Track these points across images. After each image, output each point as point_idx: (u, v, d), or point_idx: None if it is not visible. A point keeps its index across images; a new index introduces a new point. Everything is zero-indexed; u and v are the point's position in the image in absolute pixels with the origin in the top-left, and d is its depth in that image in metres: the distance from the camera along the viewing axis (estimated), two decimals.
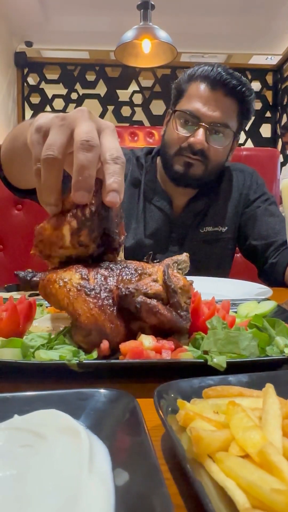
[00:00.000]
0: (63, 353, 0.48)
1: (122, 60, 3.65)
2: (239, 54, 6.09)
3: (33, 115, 4.58)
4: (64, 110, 4.90)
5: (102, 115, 4.90)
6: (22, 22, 4.66)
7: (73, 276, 0.52)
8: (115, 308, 0.51)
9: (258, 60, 6.22)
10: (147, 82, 5.12)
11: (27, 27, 4.79)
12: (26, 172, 0.90)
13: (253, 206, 1.41)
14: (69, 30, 4.94)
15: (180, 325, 0.52)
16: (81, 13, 4.69)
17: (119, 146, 0.56)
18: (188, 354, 0.48)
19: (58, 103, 4.84)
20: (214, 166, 1.29)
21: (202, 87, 1.24)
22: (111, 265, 0.56)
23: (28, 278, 0.56)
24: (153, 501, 0.24)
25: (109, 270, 0.55)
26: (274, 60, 5.91)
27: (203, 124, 1.22)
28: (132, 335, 0.53)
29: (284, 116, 4.80)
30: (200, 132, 1.22)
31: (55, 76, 4.92)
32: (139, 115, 5.00)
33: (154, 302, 0.51)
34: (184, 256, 0.63)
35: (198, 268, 1.21)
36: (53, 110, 4.90)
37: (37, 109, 4.88)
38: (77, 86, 4.94)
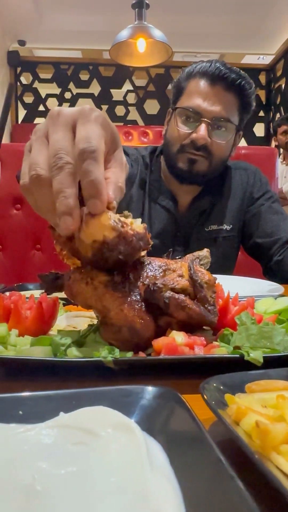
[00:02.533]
0: (96, 351, 0.47)
1: (117, 59, 3.64)
2: (231, 53, 6.11)
3: (27, 115, 4.54)
4: None
5: None
6: (15, 20, 4.62)
7: (99, 274, 0.52)
8: (143, 304, 0.51)
9: (250, 59, 6.25)
10: (141, 82, 5.12)
11: (20, 26, 4.75)
12: None
13: (257, 204, 1.41)
14: (62, 29, 4.92)
15: (209, 320, 0.52)
16: (74, 12, 4.67)
17: (88, 131, 0.47)
18: (222, 349, 0.47)
19: (52, 103, 4.81)
20: (218, 161, 1.29)
21: (202, 83, 1.24)
22: (135, 262, 0.56)
23: (53, 279, 0.55)
24: (227, 496, 0.24)
25: (135, 266, 0.55)
26: (266, 60, 5.94)
27: (205, 119, 1.22)
28: (159, 331, 0.52)
29: (278, 115, 4.83)
30: (202, 128, 1.21)
31: (48, 76, 4.89)
32: (133, 115, 4.99)
33: (182, 297, 0.51)
34: (205, 252, 0.62)
35: None
36: (47, 109, 4.86)
37: (31, 109, 4.84)
38: (71, 86, 4.92)
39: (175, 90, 1.32)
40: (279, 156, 4.18)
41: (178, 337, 0.49)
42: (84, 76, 4.92)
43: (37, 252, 1.89)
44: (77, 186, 0.46)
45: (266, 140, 5.05)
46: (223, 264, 1.41)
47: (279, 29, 4.80)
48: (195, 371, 0.45)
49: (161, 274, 0.54)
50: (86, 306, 0.52)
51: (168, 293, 0.50)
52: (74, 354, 0.46)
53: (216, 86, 1.22)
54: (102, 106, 4.91)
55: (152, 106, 4.97)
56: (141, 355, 0.48)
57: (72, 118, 0.48)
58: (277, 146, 4.13)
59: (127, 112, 4.99)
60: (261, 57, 6.24)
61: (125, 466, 0.28)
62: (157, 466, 0.28)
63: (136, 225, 0.50)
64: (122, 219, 0.49)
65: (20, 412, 0.36)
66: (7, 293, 0.63)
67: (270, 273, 1.37)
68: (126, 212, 0.52)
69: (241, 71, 1.25)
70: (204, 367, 0.47)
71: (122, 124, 4.86)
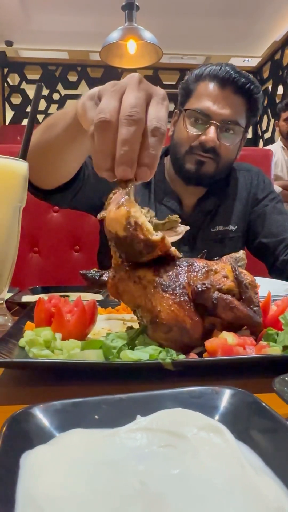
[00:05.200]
0: (150, 353, 0.47)
1: (107, 61, 3.64)
2: (218, 55, 6.17)
3: (14, 116, 4.48)
4: (46, 111, 4.83)
5: None
6: (1, 21, 4.57)
7: (146, 273, 0.52)
8: (192, 304, 0.51)
9: (236, 62, 6.32)
10: None
11: (7, 26, 4.70)
12: (64, 159, 0.90)
13: (261, 204, 1.43)
14: (49, 30, 4.89)
15: (256, 320, 0.52)
16: (61, 13, 4.65)
17: (163, 114, 0.54)
18: (275, 349, 0.48)
19: (40, 104, 4.76)
20: (225, 163, 1.30)
21: (211, 85, 1.25)
22: (176, 262, 0.56)
23: (97, 278, 0.54)
24: None
25: (178, 267, 0.55)
26: (252, 62, 6.02)
27: (214, 122, 1.23)
28: (203, 332, 0.52)
29: (265, 117, 4.90)
30: (212, 130, 1.22)
31: (36, 76, 4.85)
32: None
33: (230, 297, 0.51)
34: (242, 254, 0.63)
35: None
36: None
37: (18, 110, 4.79)
38: (59, 87, 4.89)
39: (183, 92, 1.33)
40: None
41: (229, 337, 0.49)
42: (72, 78, 4.90)
43: (75, 253, 1.90)
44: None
45: (253, 141, 5.11)
46: None
47: (266, 32, 4.88)
48: (246, 371, 0.45)
49: (204, 275, 0.55)
50: (133, 305, 0.52)
51: (216, 294, 0.51)
52: (129, 357, 0.46)
53: (226, 89, 1.23)
54: None
55: None
56: (193, 355, 0.49)
57: (149, 90, 0.55)
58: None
59: None
60: (247, 59, 6.32)
61: (225, 467, 0.28)
62: (257, 467, 0.29)
63: (150, 232, 0.50)
64: (142, 220, 0.50)
65: (96, 417, 0.35)
66: (46, 296, 0.62)
67: (276, 272, 1.39)
68: (171, 217, 0.54)
69: (250, 75, 1.27)
70: (257, 367, 0.47)
71: None
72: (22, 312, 0.68)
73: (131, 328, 0.59)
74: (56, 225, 1.87)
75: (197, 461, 0.29)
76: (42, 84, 0.69)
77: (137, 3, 3.47)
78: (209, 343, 0.48)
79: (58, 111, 0.88)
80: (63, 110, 0.85)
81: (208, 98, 1.24)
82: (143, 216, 0.51)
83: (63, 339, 0.53)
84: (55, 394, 0.44)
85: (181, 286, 0.52)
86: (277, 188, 3.79)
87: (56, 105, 4.85)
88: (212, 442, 0.31)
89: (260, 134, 5.00)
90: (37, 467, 0.28)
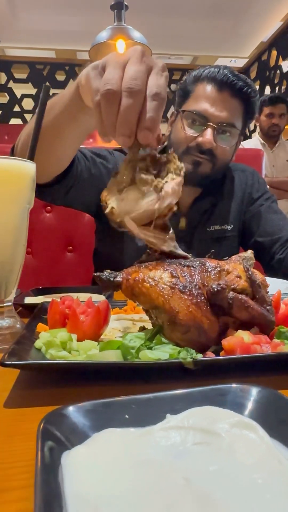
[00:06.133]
0: (169, 352, 0.48)
1: (96, 60, 3.62)
2: (205, 56, 6.21)
3: (1, 115, 4.42)
4: (34, 110, 4.79)
5: None
6: None
7: (162, 274, 0.52)
8: (207, 304, 0.52)
9: (223, 62, 6.38)
10: None
11: None
12: (62, 142, 0.92)
13: (256, 204, 1.45)
14: (36, 28, 4.85)
15: (269, 319, 0.53)
16: (49, 12, 4.62)
17: (163, 82, 0.57)
18: None
19: (28, 103, 4.73)
20: (221, 164, 1.32)
21: (209, 88, 1.27)
22: (188, 263, 0.57)
23: (112, 279, 0.55)
24: None
25: (191, 267, 0.55)
26: (238, 63, 6.08)
27: (211, 124, 1.24)
28: (219, 331, 0.53)
29: None
30: (209, 132, 1.24)
31: (23, 75, 4.81)
32: None
33: (244, 297, 0.52)
34: (250, 253, 0.64)
35: None
36: (22, 110, 4.78)
37: (6, 109, 4.74)
38: None
39: (181, 93, 1.34)
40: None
41: (245, 336, 0.50)
42: (61, 77, 4.87)
43: (68, 254, 1.89)
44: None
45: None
46: None
47: (253, 33, 4.93)
48: (262, 369, 0.47)
49: (216, 275, 0.55)
50: (150, 306, 0.52)
51: (232, 294, 0.52)
52: (149, 356, 0.47)
53: (223, 92, 1.25)
54: None
55: None
56: (210, 354, 0.49)
57: (150, 63, 0.58)
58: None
59: None
60: (234, 60, 6.38)
61: (262, 463, 0.29)
62: None
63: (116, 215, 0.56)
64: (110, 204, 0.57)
65: (126, 416, 0.36)
66: (59, 298, 0.62)
67: (271, 271, 1.41)
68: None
69: (247, 78, 1.29)
70: (277, 364, 0.48)
71: None
72: (32, 314, 0.68)
73: (143, 328, 0.60)
74: (49, 226, 1.87)
75: (233, 457, 0.30)
76: (49, 85, 0.69)
77: (126, 3, 3.47)
78: (227, 342, 0.49)
79: (53, 97, 0.89)
80: (59, 94, 0.87)
81: (206, 100, 1.25)
82: (112, 200, 0.57)
83: (78, 340, 0.54)
84: (76, 395, 0.45)
85: (197, 287, 0.52)
86: None
87: None
88: (246, 438, 0.32)
89: (248, 134, 5.05)
90: (80, 467, 0.28)
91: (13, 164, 0.65)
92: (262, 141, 3.49)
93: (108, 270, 0.57)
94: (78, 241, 1.89)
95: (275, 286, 1.03)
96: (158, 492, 0.26)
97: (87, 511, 0.24)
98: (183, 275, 0.53)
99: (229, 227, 1.43)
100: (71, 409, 0.35)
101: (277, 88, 4.28)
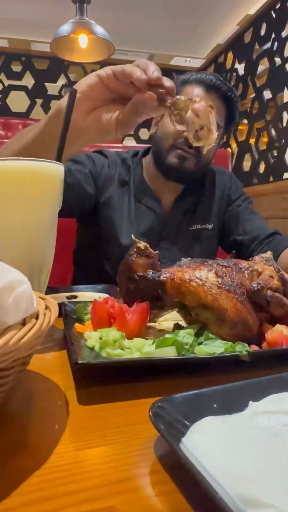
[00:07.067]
0: (220, 346, 0.52)
1: (57, 53, 3.57)
2: (161, 54, 6.28)
3: None
4: None
5: (30, 109, 4.72)
6: None
7: (208, 274, 0.56)
8: (249, 301, 0.56)
9: (179, 61, 6.48)
10: (76, 77, 5.05)
11: None
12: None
13: (234, 204, 1.53)
14: None
15: None
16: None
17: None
18: None
19: None
20: (204, 162, 1.39)
21: (197, 90, 1.34)
22: (224, 263, 0.61)
23: (157, 278, 0.58)
24: None
25: (228, 267, 0.60)
26: (193, 63, 6.22)
27: None
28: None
29: None
30: None
31: None
32: None
33: (280, 295, 0.58)
34: (269, 254, 0.70)
35: None
36: None
37: None
38: (2, 76, 4.68)
39: None
40: None
41: (284, 330, 0.55)
42: (17, 68, 4.71)
43: None
44: None
45: None
46: None
47: (210, 35, 5.07)
48: None
49: (249, 274, 0.60)
50: (197, 304, 0.56)
51: (269, 292, 0.57)
52: (205, 351, 0.51)
53: (210, 94, 1.32)
54: (37, 100, 4.75)
55: None
56: (254, 347, 0.54)
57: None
58: None
59: None
60: (189, 59, 6.51)
61: None
62: None
63: None
64: None
65: (215, 405, 0.40)
66: (101, 297, 0.64)
67: None
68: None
69: (230, 85, 1.38)
70: None
71: None
72: (62, 315, 0.69)
73: (178, 325, 0.63)
74: None
75: None
76: (76, 89, 0.70)
77: None
78: (270, 336, 0.54)
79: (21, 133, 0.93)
80: (24, 131, 0.92)
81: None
82: None
83: (128, 338, 0.56)
84: (139, 390, 0.48)
85: (238, 286, 0.57)
86: None
87: (0, 96, 4.64)
88: None
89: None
90: (209, 452, 0.32)
91: (42, 166, 0.65)
92: None
93: (151, 270, 0.60)
94: (59, 240, 1.88)
95: None
96: None
97: (243, 485, 0.27)
98: (225, 275, 0.57)
99: (210, 226, 1.50)
100: (167, 400, 0.38)
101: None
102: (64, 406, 0.44)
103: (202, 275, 0.56)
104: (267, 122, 3.75)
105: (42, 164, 0.65)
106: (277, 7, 3.63)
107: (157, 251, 0.63)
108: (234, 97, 1.36)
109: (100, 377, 0.49)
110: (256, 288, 0.56)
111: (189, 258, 0.64)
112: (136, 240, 0.63)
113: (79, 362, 0.45)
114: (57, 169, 0.67)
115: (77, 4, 3.43)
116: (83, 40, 3.52)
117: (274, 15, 3.68)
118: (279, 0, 3.58)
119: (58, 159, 0.69)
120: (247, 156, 4.03)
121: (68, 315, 0.67)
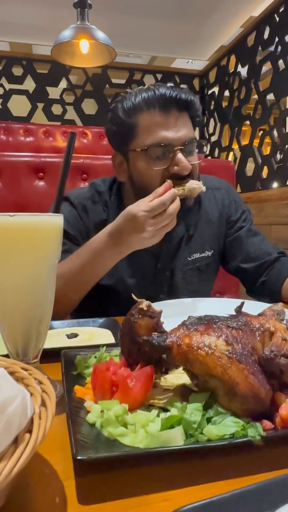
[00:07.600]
0: (231, 425, 0.48)
1: (58, 59, 3.53)
2: (163, 57, 6.24)
3: None
4: None
5: (31, 113, 4.68)
6: None
7: (217, 342, 0.53)
8: (261, 370, 0.53)
9: (180, 63, 6.42)
10: (78, 80, 5.00)
11: None
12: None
13: (236, 227, 1.43)
14: None
15: None
16: (4, 2, 4.42)
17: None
18: None
19: None
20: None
21: (155, 113, 1.16)
22: (234, 324, 0.57)
23: (163, 344, 0.54)
24: None
25: (238, 330, 0.56)
26: (196, 65, 6.16)
27: (177, 147, 1.15)
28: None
29: (212, 120, 5.05)
30: (180, 156, 1.14)
31: None
32: (71, 114, 4.87)
33: None
34: (280, 306, 0.65)
35: (194, 297, 1.24)
36: None
37: None
38: (3, 80, 4.65)
39: (120, 130, 1.21)
40: None
41: None
42: (18, 71, 4.68)
43: None
44: None
45: (200, 145, 5.24)
46: (203, 289, 1.42)
47: (214, 37, 5.01)
48: None
49: (261, 336, 0.56)
50: (206, 374, 0.52)
51: (283, 360, 0.53)
52: (214, 434, 0.47)
53: (170, 111, 1.16)
54: (38, 104, 4.72)
55: (89, 106, 4.89)
56: (267, 423, 0.50)
57: None
58: None
59: (65, 111, 4.85)
60: (191, 61, 6.45)
61: None
62: None
63: None
64: None
65: None
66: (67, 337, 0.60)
67: (255, 292, 1.42)
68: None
69: (184, 88, 1.24)
70: None
71: (59, 123, 4.71)
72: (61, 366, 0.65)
73: (186, 388, 0.59)
74: (42, 192, 1.89)
75: None
76: (75, 132, 0.66)
77: (89, 1, 3.40)
78: (285, 411, 0.50)
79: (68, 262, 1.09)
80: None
81: (159, 127, 1.15)
82: None
83: (129, 408, 0.53)
84: (141, 479, 0.44)
85: (249, 354, 0.53)
86: None
87: (0, 100, 4.60)
88: None
89: (207, 137, 5.15)
90: None
91: (40, 220, 0.61)
92: None
93: (155, 333, 0.56)
94: (33, 209, 1.91)
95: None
96: None
97: None
98: (236, 341, 0.53)
99: (209, 253, 1.40)
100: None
101: (236, 93, 4.39)
102: (62, 506, 0.40)
103: (211, 343, 0.52)
104: (271, 126, 3.70)
105: (41, 218, 0.61)
106: (280, 11, 3.58)
107: (160, 309, 0.59)
108: (193, 98, 1.19)
109: (102, 468, 0.46)
110: (269, 357, 0.52)
111: (196, 316, 0.60)
112: (137, 299, 0.59)
113: (78, 458, 0.41)
114: (56, 221, 0.63)
115: (78, 9, 3.39)
116: (84, 45, 3.48)
117: (277, 19, 3.63)
118: (283, 3, 3.52)
119: (57, 209, 0.65)
120: (250, 160, 3.98)
121: (68, 370, 0.64)
